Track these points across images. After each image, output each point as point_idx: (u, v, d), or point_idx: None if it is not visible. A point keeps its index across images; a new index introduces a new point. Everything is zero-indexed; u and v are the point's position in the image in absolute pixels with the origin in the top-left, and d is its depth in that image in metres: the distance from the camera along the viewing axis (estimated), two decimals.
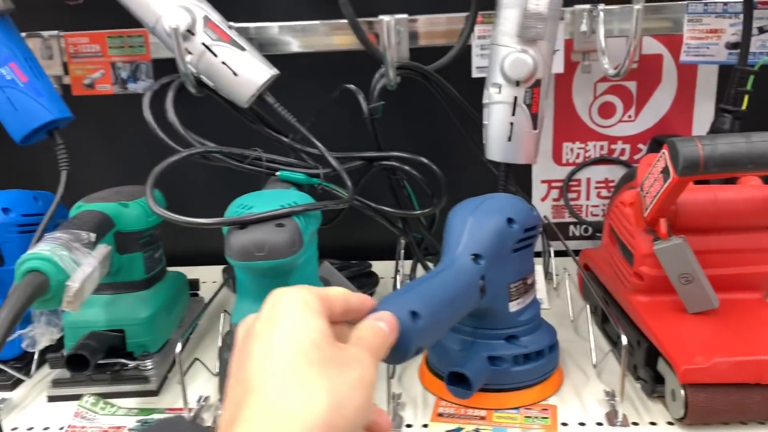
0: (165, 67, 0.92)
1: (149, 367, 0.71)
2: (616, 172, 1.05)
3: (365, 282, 0.89)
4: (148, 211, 0.74)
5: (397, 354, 0.44)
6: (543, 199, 1.06)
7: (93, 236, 0.63)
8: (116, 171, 1.06)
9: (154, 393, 0.70)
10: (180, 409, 0.66)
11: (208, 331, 0.85)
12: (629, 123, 1.02)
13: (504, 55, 0.72)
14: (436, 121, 1.00)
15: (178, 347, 0.62)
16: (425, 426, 0.62)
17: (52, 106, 0.76)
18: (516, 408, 0.64)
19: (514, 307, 0.64)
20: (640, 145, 1.03)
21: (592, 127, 1.03)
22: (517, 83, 0.72)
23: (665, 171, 0.59)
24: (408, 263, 0.96)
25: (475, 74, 0.89)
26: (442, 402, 0.66)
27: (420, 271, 0.92)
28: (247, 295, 0.67)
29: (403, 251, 0.96)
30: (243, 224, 0.61)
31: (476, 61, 0.89)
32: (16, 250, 0.76)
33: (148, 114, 0.73)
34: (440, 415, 0.64)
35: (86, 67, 0.92)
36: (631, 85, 1.00)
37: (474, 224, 0.60)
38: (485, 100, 0.76)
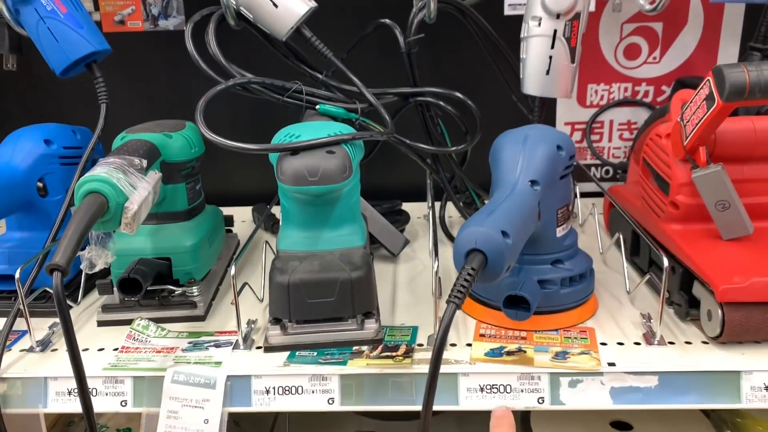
0: (195, 3, 0.92)
1: (195, 293, 0.73)
2: (639, 114, 1.06)
3: (396, 219, 0.91)
4: (192, 143, 0.75)
5: (492, 272, 0.47)
6: None
7: (145, 162, 0.64)
8: (144, 108, 1.06)
9: (201, 318, 0.72)
10: (232, 332, 0.69)
11: (244, 264, 0.87)
12: (654, 65, 1.03)
13: None
14: (463, 58, 1.00)
15: (232, 269, 0.64)
16: (469, 345, 0.65)
17: (92, 38, 0.76)
18: (555, 330, 0.67)
19: (560, 232, 0.66)
20: (664, 87, 1.04)
21: (616, 68, 1.04)
22: (558, 16, 0.73)
23: (709, 98, 0.60)
24: (437, 203, 0.98)
25: (508, 11, 0.89)
26: (482, 324, 0.68)
27: (450, 208, 0.93)
28: (292, 222, 0.69)
29: (432, 190, 0.98)
30: (295, 150, 0.63)
31: None
32: (58, 182, 0.78)
33: (190, 45, 0.73)
34: (482, 335, 0.66)
35: (117, 3, 0.91)
36: (657, 26, 1.01)
37: (528, 152, 0.62)
38: (523, 34, 0.76)
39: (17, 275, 0.64)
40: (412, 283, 0.79)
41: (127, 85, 1.04)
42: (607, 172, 1.09)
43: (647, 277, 0.69)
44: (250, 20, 0.76)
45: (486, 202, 0.93)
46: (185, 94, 1.09)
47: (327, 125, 0.69)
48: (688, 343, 0.63)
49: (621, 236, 0.75)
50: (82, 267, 0.64)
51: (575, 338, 0.65)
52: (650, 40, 1.02)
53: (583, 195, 0.99)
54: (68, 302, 0.74)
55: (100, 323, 0.71)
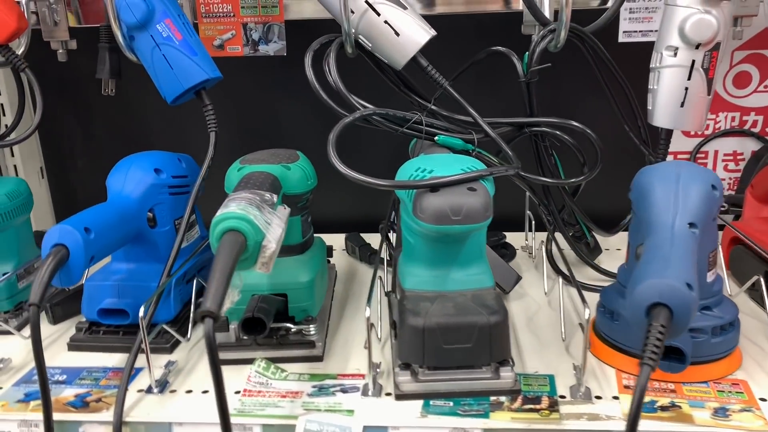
0: (296, 29, 0.90)
1: (312, 331, 0.70)
2: (746, 145, 1.01)
3: (503, 253, 0.87)
4: (308, 174, 0.73)
5: (678, 328, 0.46)
6: None
7: (275, 197, 0.61)
8: (234, 134, 1.05)
9: (319, 358, 0.69)
10: (355, 375, 0.65)
11: (347, 298, 0.84)
12: (764, 93, 0.99)
13: (684, 16, 0.68)
14: (560, 87, 0.96)
15: (368, 311, 0.60)
16: (615, 398, 0.60)
17: (205, 65, 0.75)
18: (704, 382, 0.62)
19: (709, 277, 0.61)
20: None
21: (724, 96, 0.99)
22: (697, 46, 0.69)
23: None
24: (539, 234, 0.94)
25: (622, 39, 0.86)
26: (623, 374, 0.64)
27: (561, 240, 0.89)
28: (418, 259, 0.66)
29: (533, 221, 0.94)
30: (434, 187, 0.59)
31: (623, 26, 0.86)
32: (167, 212, 0.75)
33: (310, 72, 0.71)
34: (626, 387, 0.62)
35: (217, 28, 0.90)
36: None
37: (683, 191, 0.58)
38: (654, 64, 0.73)
39: (141, 313, 0.61)
40: (531, 324, 0.75)
41: (223, 108, 1.03)
42: None
43: None
44: (368, 48, 0.74)
45: (594, 235, 0.90)
46: (273, 120, 1.08)
47: (457, 159, 0.66)
48: None
49: (762, 279, 0.70)
50: None
51: (729, 392, 0.60)
52: (762, 67, 0.97)
53: None
54: (179, 337, 0.72)
55: None
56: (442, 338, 0.60)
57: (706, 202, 0.58)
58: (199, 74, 0.74)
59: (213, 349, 0.48)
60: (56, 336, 0.76)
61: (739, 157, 1.02)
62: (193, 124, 1.08)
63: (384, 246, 0.90)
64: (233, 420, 0.59)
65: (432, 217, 0.58)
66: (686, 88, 0.71)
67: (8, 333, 0.75)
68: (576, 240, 0.88)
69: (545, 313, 0.77)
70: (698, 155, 1.02)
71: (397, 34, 0.72)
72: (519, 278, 0.82)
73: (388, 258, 0.92)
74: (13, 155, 1.06)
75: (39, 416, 0.60)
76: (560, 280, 0.72)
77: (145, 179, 0.73)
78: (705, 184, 0.59)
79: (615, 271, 0.72)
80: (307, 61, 0.72)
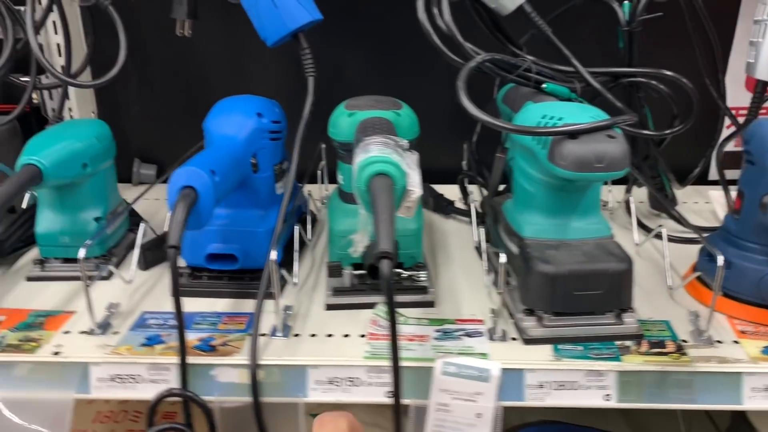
0: None
1: (422, 277, 0.70)
2: None
3: None
4: (414, 121, 0.72)
5: None
6: None
7: (406, 142, 0.61)
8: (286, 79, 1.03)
9: (431, 304, 0.69)
10: (471, 320, 0.66)
11: (433, 248, 0.84)
12: None
13: None
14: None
15: (503, 257, 0.61)
16: (736, 342, 0.62)
17: (309, 6, 0.72)
18: None
19: None
20: None
21: None
22: None
23: None
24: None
25: None
26: (735, 320, 0.66)
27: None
28: (536, 207, 0.66)
29: None
30: (573, 134, 0.59)
31: None
32: (267, 158, 0.74)
33: (423, 15, 0.69)
34: (743, 332, 0.64)
35: None
36: None
37: None
38: (760, 16, 0.73)
39: (273, 257, 0.61)
40: None
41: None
42: None
43: None
44: None
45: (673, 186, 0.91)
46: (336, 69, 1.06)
47: (580, 107, 0.65)
48: None
49: None
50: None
51: None
52: None
53: None
54: (289, 278, 0.72)
55: (330, 306, 0.69)
56: (573, 285, 0.61)
57: None
58: (304, 15, 0.71)
59: (391, 293, 0.48)
60: (151, 282, 0.75)
61: None
62: (252, 69, 1.06)
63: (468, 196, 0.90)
64: (366, 362, 0.60)
65: (574, 164, 0.58)
66: None
67: (97, 279, 0.74)
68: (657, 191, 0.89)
69: (641, 262, 0.79)
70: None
71: None
72: None
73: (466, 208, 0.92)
74: (68, 98, 1.02)
75: (168, 360, 0.60)
76: (664, 229, 0.73)
77: (248, 123, 0.72)
78: None
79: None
80: (420, 4, 0.70)
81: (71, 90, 1.01)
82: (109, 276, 0.75)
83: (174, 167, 0.61)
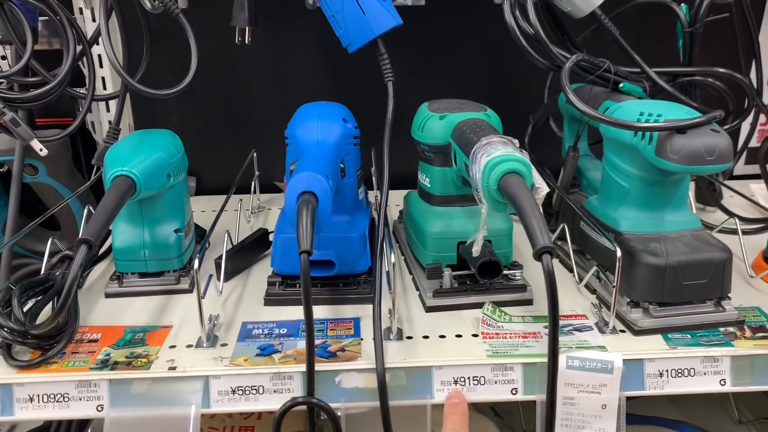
0: None
1: (518, 276, 0.71)
2: None
3: None
4: (499, 122, 0.73)
5: None
6: None
7: (517, 141, 0.62)
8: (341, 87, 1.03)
9: (530, 302, 0.70)
10: (574, 315, 0.67)
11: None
12: None
13: None
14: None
15: (618, 251, 0.62)
16: None
17: (393, 11, 0.73)
18: None
19: None
20: None
21: None
22: None
23: None
24: None
25: None
26: None
27: None
28: (632, 203, 0.68)
29: None
30: (681, 129, 0.61)
31: None
32: (353, 162, 0.74)
33: (510, 18, 0.71)
34: None
35: None
36: None
37: None
38: None
39: (392, 260, 0.61)
40: None
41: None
42: None
43: None
44: None
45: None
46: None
47: (669, 105, 0.67)
48: None
49: None
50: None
51: None
52: None
53: None
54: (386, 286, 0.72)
55: (429, 309, 0.69)
56: (682, 275, 0.63)
57: None
58: (389, 21, 0.72)
59: (552, 281, 0.49)
60: (237, 292, 0.74)
61: None
62: (293, 78, 1.05)
63: None
64: (489, 361, 0.60)
65: (686, 158, 0.60)
66: None
67: (178, 292, 0.73)
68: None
69: None
70: None
71: None
72: None
73: None
74: (108, 110, 0.99)
75: (290, 368, 0.60)
76: (736, 219, 0.76)
77: (336, 129, 0.71)
78: None
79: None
80: (506, 7, 0.71)
81: (112, 102, 0.99)
82: (191, 288, 0.74)
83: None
